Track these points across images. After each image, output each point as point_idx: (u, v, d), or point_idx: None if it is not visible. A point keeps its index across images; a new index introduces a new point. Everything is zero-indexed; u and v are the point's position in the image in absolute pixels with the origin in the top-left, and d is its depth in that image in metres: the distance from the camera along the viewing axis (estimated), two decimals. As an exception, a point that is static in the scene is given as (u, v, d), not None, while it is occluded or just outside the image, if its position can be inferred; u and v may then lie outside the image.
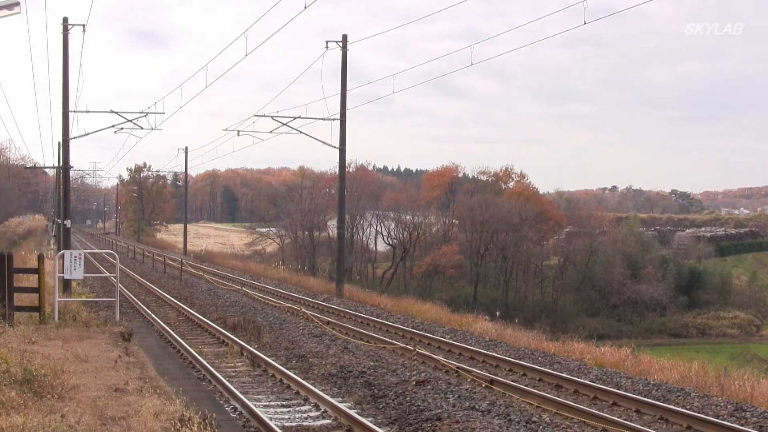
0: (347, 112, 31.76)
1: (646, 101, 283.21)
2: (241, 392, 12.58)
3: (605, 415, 11.62)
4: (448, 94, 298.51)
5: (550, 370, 15.09)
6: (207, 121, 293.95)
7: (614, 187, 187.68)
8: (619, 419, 11.46)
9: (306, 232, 71.43)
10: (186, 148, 72.10)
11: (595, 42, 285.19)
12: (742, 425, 11.29)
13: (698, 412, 11.97)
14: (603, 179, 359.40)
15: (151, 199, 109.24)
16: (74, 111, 30.71)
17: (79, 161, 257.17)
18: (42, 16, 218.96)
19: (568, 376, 14.44)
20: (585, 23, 19.13)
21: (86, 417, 9.59)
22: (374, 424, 10.92)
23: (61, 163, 32.69)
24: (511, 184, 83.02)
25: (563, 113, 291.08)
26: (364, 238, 72.77)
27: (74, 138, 31.20)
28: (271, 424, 10.62)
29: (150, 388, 11.72)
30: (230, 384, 13.16)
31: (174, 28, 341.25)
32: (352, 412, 11.36)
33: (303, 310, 24.54)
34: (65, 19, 28.60)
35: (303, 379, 13.97)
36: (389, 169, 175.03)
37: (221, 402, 12.25)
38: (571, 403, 12.38)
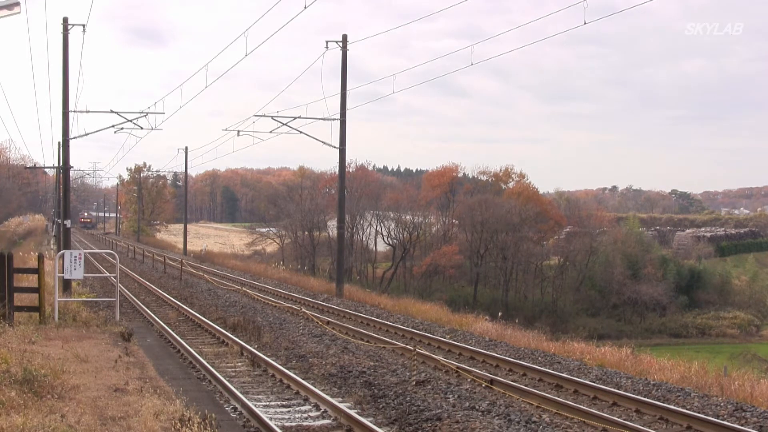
0: (347, 111, 31.80)
1: (647, 100, 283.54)
2: (241, 392, 12.58)
3: (605, 415, 11.62)
4: (448, 94, 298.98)
5: (550, 370, 15.08)
6: (207, 121, 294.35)
7: (614, 187, 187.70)
8: (619, 419, 11.46)
9: (306, 232, 71.38)
10: (186, 148, 72.23)
11: (596, 41, 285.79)
12: (742, 425, 11.28)
13: (698, 412, 11.97)
14: (603, 179, 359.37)
15: (151, 199, 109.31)
16: (74, 111, 30.76)
17: (79, 161, 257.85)
18: (42, 16, 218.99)
19: (568, 376, 14.44)
20: (585, 23, 19.13)
21: (86, 417, 9.59)
22: (374, 424, 10.91)
23: (61, 163, 32.71)
24: (511, 184, 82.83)
25: (564, 112, 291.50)
26: (364, 238, 72.68)
27: (74, 138, 31.26)
28: (271, 424, 10.62)
29: (150, 388, 11.72)
30: (230, 384, 13.16)
31: (174, 27, 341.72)
32: (352, 412, 11.36)
33: (303, 310, 24.54)
34: (65, 19, 28.64)
35: (303, 379, 13.97)
36: (389, 169, 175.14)
37: (221, 402, 12.25)
38: (571, 403, 12.38)
